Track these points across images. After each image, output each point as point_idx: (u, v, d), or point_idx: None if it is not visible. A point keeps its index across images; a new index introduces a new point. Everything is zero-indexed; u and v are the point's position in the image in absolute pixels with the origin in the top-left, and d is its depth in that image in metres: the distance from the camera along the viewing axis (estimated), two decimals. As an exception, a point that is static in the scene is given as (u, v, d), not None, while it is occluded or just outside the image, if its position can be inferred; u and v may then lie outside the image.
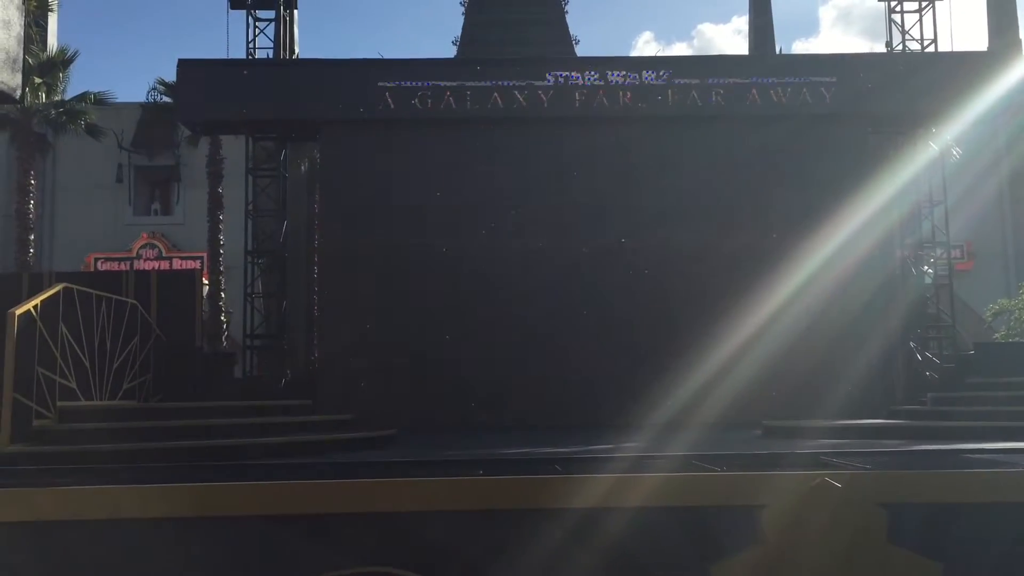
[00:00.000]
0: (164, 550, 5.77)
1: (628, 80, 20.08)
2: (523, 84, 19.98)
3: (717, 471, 7.39)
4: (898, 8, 22.44)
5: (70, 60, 26.95)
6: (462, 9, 26.19)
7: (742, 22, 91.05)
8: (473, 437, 15.33)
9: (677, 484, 6.46)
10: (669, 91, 20.10)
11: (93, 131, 27.09)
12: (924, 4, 22.24)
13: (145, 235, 33.15)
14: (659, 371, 19.05)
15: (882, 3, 22.73)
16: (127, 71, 78.09)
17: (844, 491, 5.99)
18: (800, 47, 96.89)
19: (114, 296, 14.22)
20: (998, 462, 8.43)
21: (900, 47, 22.39)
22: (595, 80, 20.07)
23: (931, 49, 22.04)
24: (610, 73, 20.12)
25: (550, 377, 19.05)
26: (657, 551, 6.07)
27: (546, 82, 20.04)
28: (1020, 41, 30.28)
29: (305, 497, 6.08)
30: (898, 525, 6.01)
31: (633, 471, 7.37)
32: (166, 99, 27.53)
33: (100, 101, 26.58)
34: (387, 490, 6.25)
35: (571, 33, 24.61)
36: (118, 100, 28.96)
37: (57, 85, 26.75)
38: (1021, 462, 8.49)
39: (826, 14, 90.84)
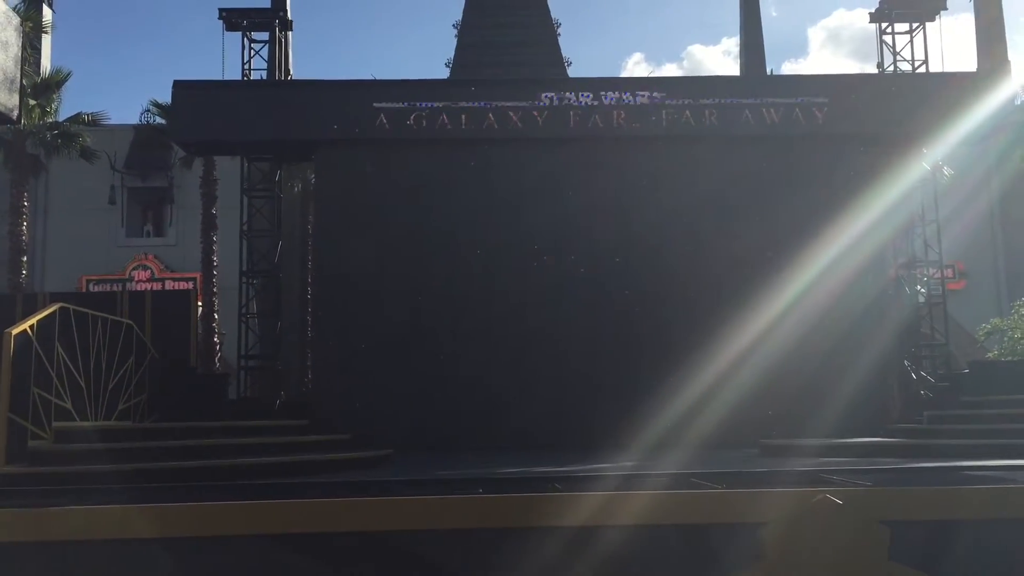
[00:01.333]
0: (164, 570, 5.73)
1: (622, 101, 20.20)
2: (518, 105, 20.08)
3: (717, 488, 7.39)
4: (889, 29, 22.65)
5: (63, 80, 26.96)
6: (455, 32, 26.37)
7: (732, 44, 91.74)
8: (469, 456, 15.30)
9: (678, 501, 6.45)
10: (663, 111, 20.22)
11: (86, 153, 27.07)
12: (915, 26, 22.46)
13: (138, 256, 33.08)
14: (655, 390, 19.06)
15: (873, 24, 22.94)
16: (120, 93, 78.28)
17: (845, 508, 5.99)
18: (789, 68, 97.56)
19: (110, 316, 14.19)
20: (997, 479, 8.46)
21: (891, 68, 22.58)
22: (589, 101, 20.19)
23: (922, 70, 22.24)
24: (604, 94, 20.25)
25: (546, 396, 19.01)
26: (658, 568, 6.06)
27: (540, 103, 20.15)
28: (1009, 62, 30.58)
29: (304, 516, 6.06)
30: (899, 542, 6.00)
31: (632, 489, 7.37)
32: (160, 121, 27.53)
33: (94, 122, 26.55)
34: (386, 509, 6.23)
35: (563, 55, 24.78)
36: (111, 122, 29.00)
37: (51, 106, 26.76)
38: (1019, 479, 8.52)
39: (815, 35, 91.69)
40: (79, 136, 25.86)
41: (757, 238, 19.79)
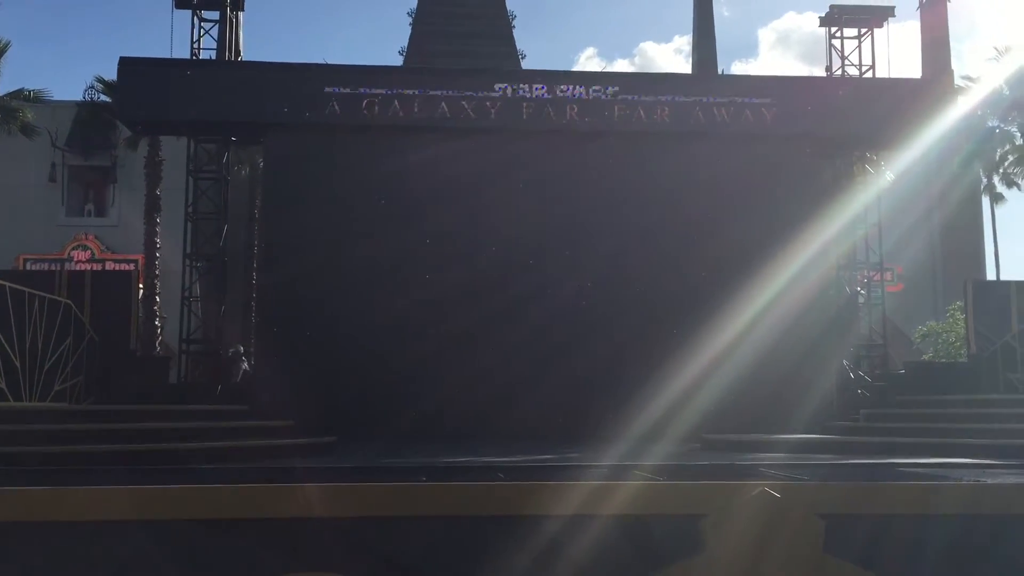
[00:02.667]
0: (103, 554, 5.63)
1: (576, 94, 20.25)
2: (471, 95, 20.01)
3: (658, 480, 7.47)
4: (838, 34, 23.04)
5: (2, 51, 26.23)
6: (409, 20, 26.23)
7: (683, 42, 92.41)
8: (414, 445, 15.26)
9: (620, 492, 6.49)
10: (615, 107, 20.32)
11: (27, 129, 26.40)
12: (863, 31, 22.87)
13: (78, 236, 32.35)
14: (600, 386, 19.25)
15: (822, 29, 23.31)
16: (62, 67, 76.42)
17: (783, 501, 6.08)
18: (739, 68, 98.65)
19: (47, 295, 13.86)
20: (929, 476, 8.67)
21: (839, 72, 22.97)
22: (543, 93, 20.21)
23: (868, 75, 22.66)
24: (558, 87, 20.28)
25: (491, 387, 18.98)
26: (599, 558, 6.09)
27: (494, 93, 20.11)
28: (952, 70, 31.26)
29: (245, 501, 5.99)
30: (833, 535, 6.12)
31: (575, 479, 7.41)
32: (104, 98, 26.94)
33: (37, 99, 25.88)
34: (328, 495, 6.18)
35: (518, 48, 24.80)
36: (54, 98, 28.29)
37: (-9, 80, 26.01)
38: (951, 476, 8.75)
39: (766, 36, 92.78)
40: (19, 111, 25.21)
41: (702, 234, 20.01)
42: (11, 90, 26.17)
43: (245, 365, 21.03)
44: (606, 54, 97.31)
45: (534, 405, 18.94)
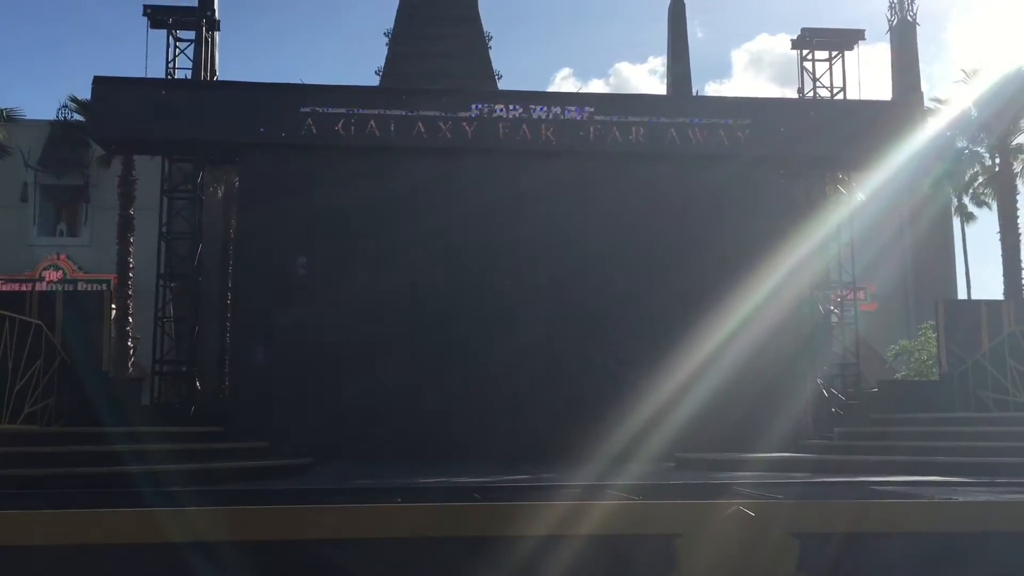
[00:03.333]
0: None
1: (551, 115, 20.36)
2: (447, 115, 20.05)
3: (633, 499, 7.47)
4: (809, 56, 23.32)
5: (-24, 71, 26.04)
6: (386, 40, 26.29)
7: (658, 63, 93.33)
8: (389, 467, 15.18)
9: (593, 512, 6.49)
10: (591, 127, 20.44)
11: (-1, 150, 26.21)
12: (834, 54, 23.16)
13: (50, 256, 32.04)
14: (574, 406, 19.26)
15: (794, 51, 23.59)
16: (35, 86, 75.95)
17: (757, 520, 6.10)
18: (713, 89, 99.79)
19: (18, 316, 13.71)
20: (902, 494, 8.74)
21: (811, 93, 23.24)
22: (518, 113, 20.30)
23: (840, 96, 22.94)
24: (533, 107, 20.38)
25: (467, 408, 18.97)
26: (573, 579, 6.07)
27: (470, 114, 20.17)
28: (921, 92, 31.74)
29: (223, 523, 5.93)
30: (808, 553, 6.15)
31: (550, 500, 7.40)
32: (78, 117, 26.77)
33: (10, 118, 25.67)
34: (306, 517, 6.14)
35: (494, 68, 24.92)
36: (26, 116, 28.07)
37: (-39, 98, 25.84)
38: (924, 494, 8.82)
39: (739, 58, 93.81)
40: (-8, 131, 25.01)
41: (676, 254, 20.13)
42: (-21, 109, 25.96)
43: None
44: (581, 74, 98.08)
45: (509, 427, 18.92)
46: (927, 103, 27.60)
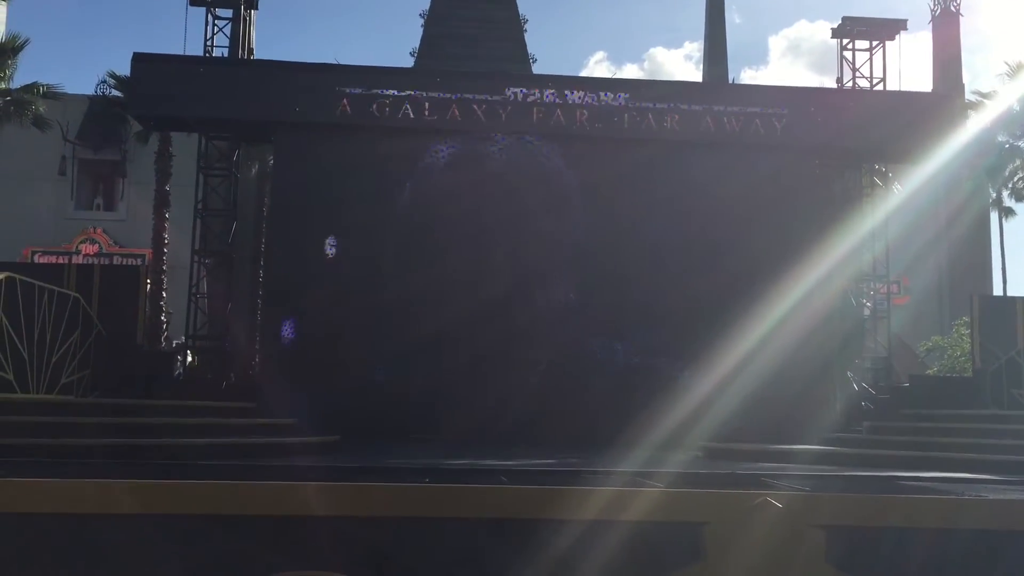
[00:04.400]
0: (106, 546, 5.67)
1: (586, 100, 20.27)
2: (482, 98, 20.03)
3: (661, 487, 7.49)
4: (850, 46, 23.03)
5: (20, 47, 26.34)
6: (421, 21, 26.24)
7: (693, 48, 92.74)
8: (416, 446, 15.28)
9: (621, 499, 6.51)
10: (625, 113, 20.33)
11: (39, 123, 26.48)
12: (875, 43, 22.85)
13: (86, 230, 32.46)
14: (604, 394, 19.28)
15: (834, 40, 23.30)
16: (75, 61, 76.77)
17: (784, 511, 6.10)
18: (749, 75, 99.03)
19: (56, 288, 13.93)
20: (932, 490, 8.68)
21: (850, 83, 22.96)
22: (553, 98, 20.23)
23: (879, 87, 22.64)
24: (568, 92, 20.30)
25: (494, 392, 19.02)
26: (599, 565, 6.11)
27: (505, 97, 20.13)
28: (963, 85, 31.26)
29: (247, 498, 6.02)
30: (834, 546, 6.14)
31: (578, 485, 7.43)
32: (116, 93, 27.02)
33: (50, 94, 25.94)
34: (330, 495, 6.21)
35: (529, 52, 24.79)
36: (66, 91, 28.38)
37: (5, 73, 26.10)
38: (954, 490, 8.75)
39: (776, 44, 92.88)
40: (32, 104, 25.30)
41: (709, 245, 20.01)
42: (25, 83, 26.26)
43: (181, 363, 20.81)
44: (615, 59, 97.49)
45: (538, 411, 18.98)
46: (968, 96, 27.18)
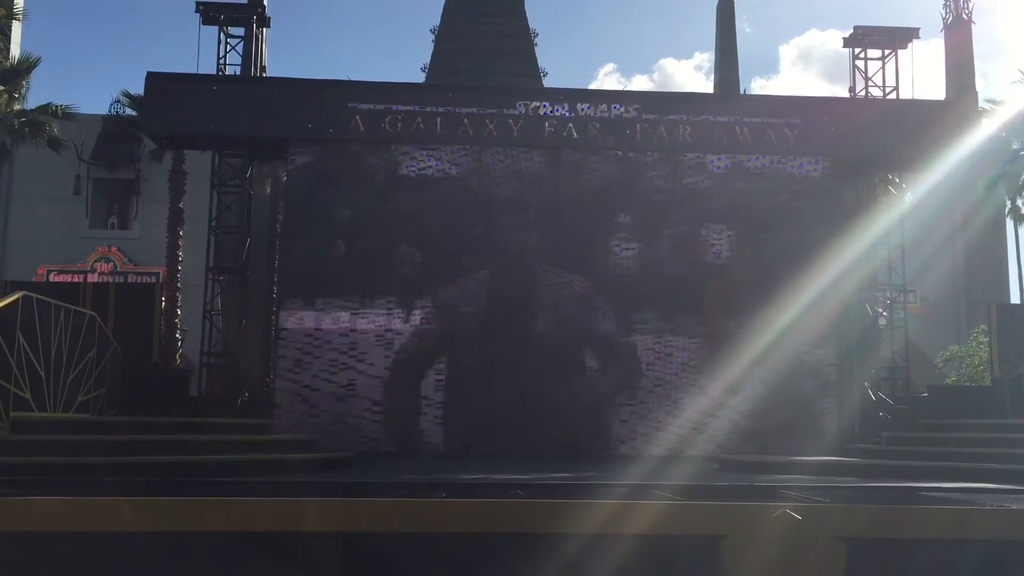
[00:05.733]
0: (119, 564, 5.67)
1: (598, 112, 20.29)
2: (493, 112, 20.08)
3: (679, 500, 7.44)
4: (862, 55, 22.96)
5: (32, 67, 26.53)
6: (432, 37, 26.38)
7: (703, 59, 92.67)
8: (429, 462, 15.25)
9: (639, 512, 6.47)
10: (637, 125, 20.34)
11: (54, 143, 26.68)
12: (887, 52, 22.79)
13: (101, 248, 32.61)
14: (618, 406, 19.23)
15: (845, 49, 23.25)
16: (90, 82, 77.38)
17: (804, 523, 6.05)
18: (760, 85, 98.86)
19: (73, 307, 13.98)
20: (951, 500, 8.59)
21: (863, 92, 22.89)
22: (564, 111, 20.26)
23: (892, 96, 22.57)
24: (580, 105, 20.33)
25: (508, 406, 19.01)
26: (617, 577, 6.06)
27: (516, 111, 20.17)
28: (976, 92, 31.12)
29: (262, 515, 6.01)
30: (854, 558, 6.08)
31: (594, 498, 7.39)
32: (130, 112, 27.19)
33: (65, 114, 26.12)
34: (353, 510, 6.21)
35: (539, 65, 24.89)
36: (80, 111, 28.58)
37: (19, 93, 26.32)
38: (975, 501, 8.67)
39: (787, 53, 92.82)
40: (47, 125, 25.49)
41: (723, 254, 19.99)
42: (39, 103, 26.46)
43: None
44: (625, 70, 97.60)
45: (552, 425, 18.95)
46: (982, 103, 27.00)
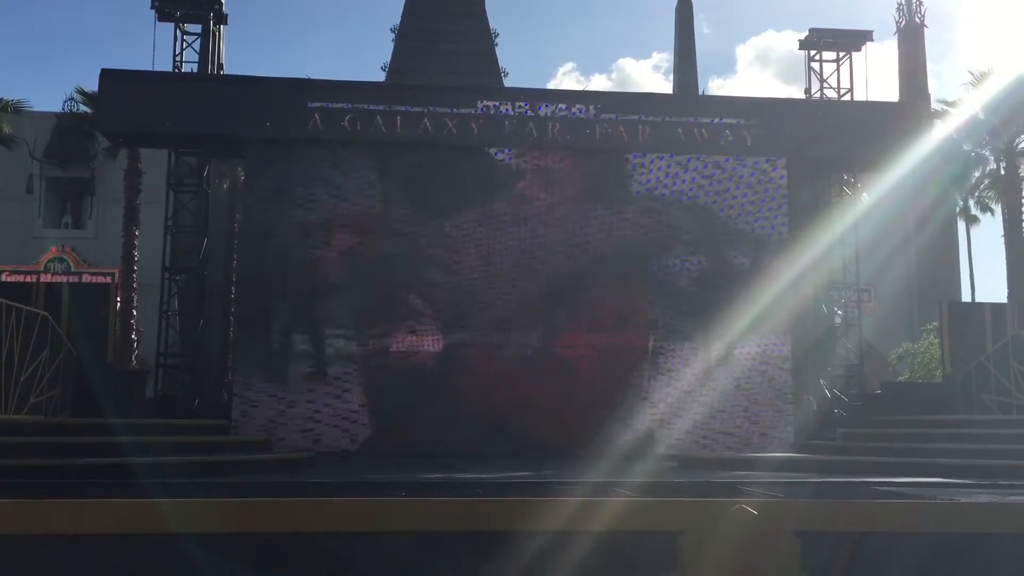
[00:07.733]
0: (76, 568, 5.57)
1: (557, 112, 20.35)
2: (454, 111, 20.06)
3: (635, 497, 7.49)
4: (817, 57, 23.29)
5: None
6: (392, 36, 26.27)
7: (661, 58, 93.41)
8: (390, 462, 15.20)
9: (596, 509, 6.49)
10: (597, 125, 20.44)
11: (5, 140, 26.21)
12: (842, 54, 23.14)
13: (54, 248, 32.06)
14: (577, 405, 19.30)
15: (802, 51, 23.56)
16: (42, 78, 76.04)
17: (760, 518, 6.10)
18: (717, 85, 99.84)
19: (25, 307, 13.74)
20: (905, 494, 8.74)
21: (818, 94, 23.21)
22: (524, 111, 20.30)
23: (847, 97, 22.91)
24: (540, 105, 20.38)
25: (465, 404, 19.01)
26: (573, 574, 6.08)
27: (476, 110, 20.17)
28: (929, 95, 31.68)
29: (224, 515, 5.95)
30: (810, 553, 6.15)
31: (552, 496, 7.42)
32: (84, 109, 26.78)
33: (16, 110, 25.66)
34: (311, 510, 6.15)
35: (500, 64, 24.89)
36: (32, 108, 28.07)
37: (-32, 89, 25.85)
38: (926, 495, 8.83)
39: (744, 53, 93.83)
40: (-1, 124, 25.04)
41: (682, 254, 20.16)
42: (-14, 101, 25.97)
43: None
44: (584, 69, 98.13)
45: (511, 425, 18.96)
46: (934, 105, 27.54)
